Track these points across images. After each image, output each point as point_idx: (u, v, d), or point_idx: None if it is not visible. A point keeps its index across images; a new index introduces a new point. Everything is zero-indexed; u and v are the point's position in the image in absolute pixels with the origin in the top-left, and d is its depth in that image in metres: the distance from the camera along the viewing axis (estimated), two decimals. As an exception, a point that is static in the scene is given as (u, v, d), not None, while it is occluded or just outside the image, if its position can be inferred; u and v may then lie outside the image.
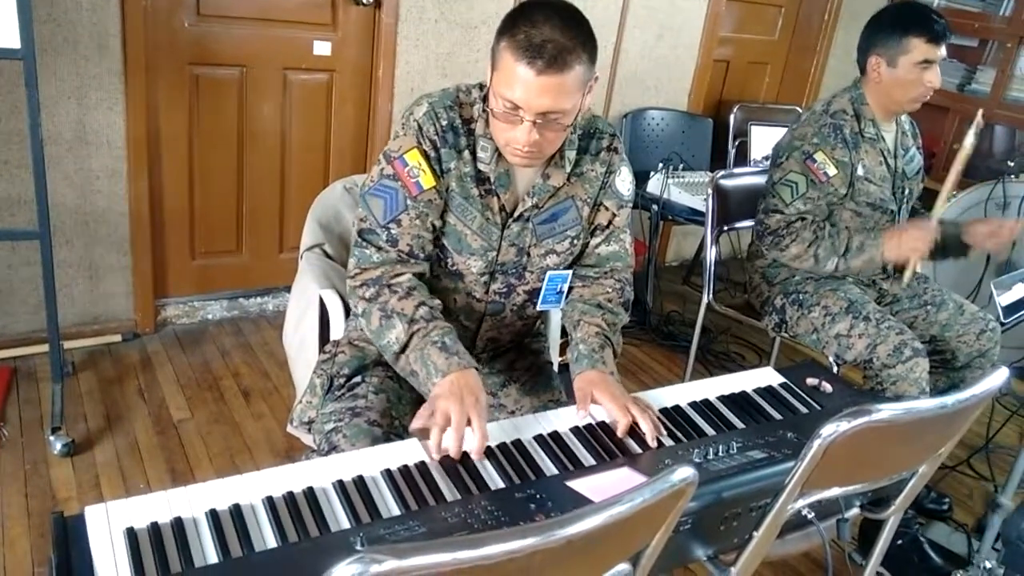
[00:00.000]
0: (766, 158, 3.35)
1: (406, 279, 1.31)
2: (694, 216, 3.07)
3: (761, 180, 2.35)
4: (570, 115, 1.25)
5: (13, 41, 1.87)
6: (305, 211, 1.76)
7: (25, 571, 1.74)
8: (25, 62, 1.90)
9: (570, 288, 1.49)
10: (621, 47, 3.44)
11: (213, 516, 0.96)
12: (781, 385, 1.45)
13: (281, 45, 2.74)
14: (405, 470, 1.09)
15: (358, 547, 0.91)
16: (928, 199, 2.18)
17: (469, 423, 1.13)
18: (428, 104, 1.35)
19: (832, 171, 1.98)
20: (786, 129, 2.15)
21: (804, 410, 1.37)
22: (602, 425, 1.26)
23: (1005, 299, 1.77)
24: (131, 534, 0.92)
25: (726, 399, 1.38)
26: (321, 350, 1.52)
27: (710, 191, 2.34)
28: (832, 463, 0.99)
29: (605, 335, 1.39)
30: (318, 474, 1.06)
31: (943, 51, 1.95)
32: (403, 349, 1.27)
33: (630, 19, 3.41)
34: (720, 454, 1.17)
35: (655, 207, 3.13)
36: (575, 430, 1.24)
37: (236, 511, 0.98)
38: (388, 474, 1.08)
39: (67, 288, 2.56)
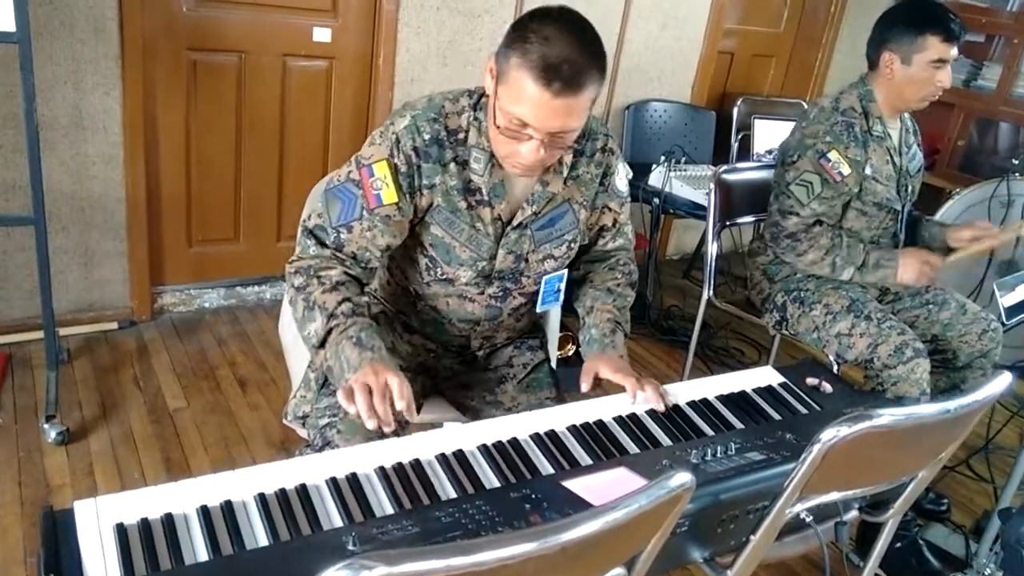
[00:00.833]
0: (769, 152, 3.33)
1: (336, 273, 1.28)
2: (696, 210, 3.05)
3: (764, 175, 2.33)
4: (578, 132, 1.24)
5: (8, 24, 1.85)
6: (303, 199, 1.74)
7: (17, 559, 1.73)
8: (20, 45, 1.87)
9: (580, 277, 1.52)
10: (625, 38, 3.41)
11: (204, 512, 0.95)
12: (781, 385, 1.43)
13: (280, 31, 2.71)
14: (399, 467, 1.08)
15: (350, 547, 0.90)
16: (927, 197, 2.17)
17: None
18: (411, 117, 1.30)
19: (846, 170, 1.96)
20: (791, 124, 2.12)
21: (804, 411, 1.36)
22: (599, 424, 1.24)
23: (1008, 300, 1.76)
24: (121, 530, 0.90)
25: (725, 398, 1.37)
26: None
27: (712, 186, 2.32)
28: (832, 468, 0.98)
29: (616, 320, 1.43)
30: (311, 471, 1.05)
31: (956, 51, 1.93)
32: (321, 343, 1.24)
33: (634, 10, 3.38)
34: (718, 455, 1.15)
35: (656, 200, 3.10)
36: (572, 429, 1.22)
37: (228, 507, 0.96)
38: (382, 471, 1.07)
39: (62, 274, 2.54)
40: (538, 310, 1.49)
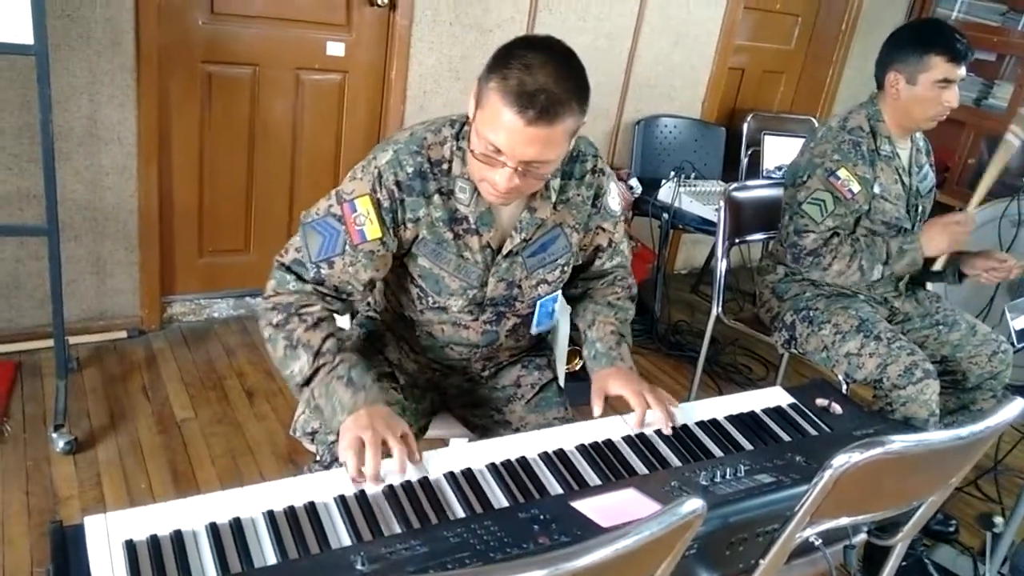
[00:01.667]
0: (779, 168, 3.33)
1: (317, 309, 1.26)
2: (704, 225, 3.05)
3: (773, 193, 2.33)
4: (554, 164, 1.22)
5: (26, 37, 1.87)
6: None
7: (25, 570, 1.73)
8: (38, 58, 1.89)
9: (579, 293, 1.53)
10: (636, 53, 3.42)
11: (213, 530, 0.95)
12: (790, 405, 1.43)
13: (294, 45, 2.74)
14: (408, 485, 1.08)
15: (359, 566, 0.90)
16: (937, 215, 2.15)
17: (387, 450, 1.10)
18: (393, 151, 1.28)
19: (856, 187, 1.96)
20: (800, 141, 2.12)
21: (813, 432, 1.35)
22: (608, 444, 1.24)
23: (1019, 323, 1.75)
24: (130, 547, 0.91)
25: (734, 419, 1.36)
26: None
27: (722, 203, 2.32)
28: (843, 493, 0.97)
29: (619, 332, 1.43)
30: (320, 488, 1.05)
31: (963, 71, 1.92)
32: (307, 382, 1.22)
33: (646, 26, 3.39)
34: (728, 477, 1.15)
35: (666, 216, 3.11)
36: (581, 448, 1.22)
37: (236, 525, 0.97)
38: (390, 489, 1.07)
39: (74, 283, 2.55)
40: (533, 331, 1.49)
